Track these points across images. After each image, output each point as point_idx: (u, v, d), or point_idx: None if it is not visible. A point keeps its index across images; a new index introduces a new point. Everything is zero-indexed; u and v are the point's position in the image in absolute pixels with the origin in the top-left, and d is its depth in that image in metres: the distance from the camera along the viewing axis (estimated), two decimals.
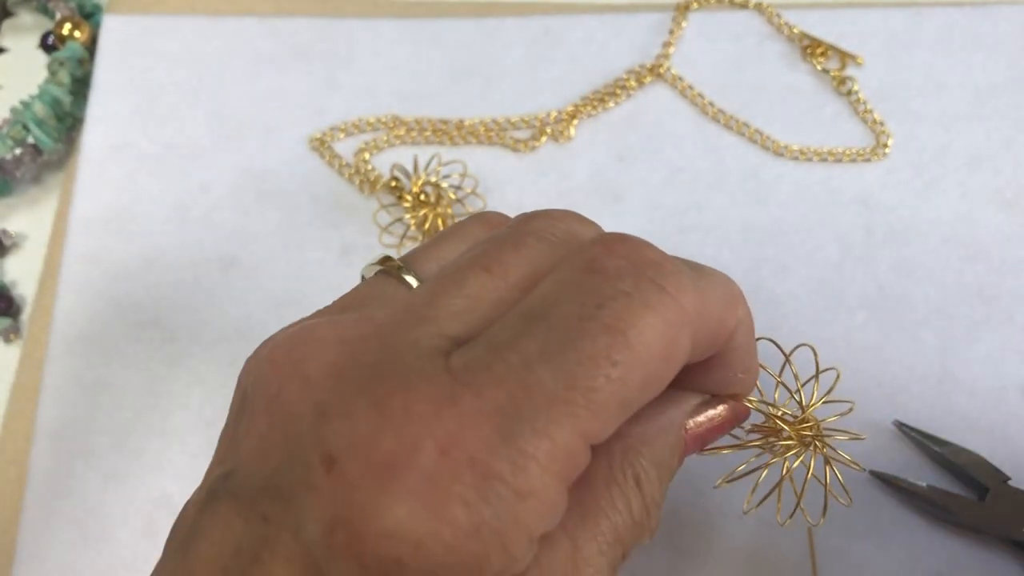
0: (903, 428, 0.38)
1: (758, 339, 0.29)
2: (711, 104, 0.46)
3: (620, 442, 0.25)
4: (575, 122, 0.46)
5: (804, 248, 0.43)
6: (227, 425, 0.25)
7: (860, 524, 0.37)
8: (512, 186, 0.45)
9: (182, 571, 0.22)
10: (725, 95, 0.47)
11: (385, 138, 0.46)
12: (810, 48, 0.47)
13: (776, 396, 0.31)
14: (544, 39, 0.48)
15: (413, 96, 0.47)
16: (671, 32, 0.48)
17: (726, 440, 0.30)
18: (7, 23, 0.52)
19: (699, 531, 0.37)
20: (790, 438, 0.30)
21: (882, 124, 0.45)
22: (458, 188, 0.44)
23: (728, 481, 0.31)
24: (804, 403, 0.30)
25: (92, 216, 0.45)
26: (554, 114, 0.46)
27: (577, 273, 0.23)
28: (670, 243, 0.43)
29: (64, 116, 0.47)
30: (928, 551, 0.37)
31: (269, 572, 0.21)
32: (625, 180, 0.45)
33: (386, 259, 0.27)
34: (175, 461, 0.40)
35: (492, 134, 0.46)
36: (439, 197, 0.43)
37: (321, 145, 0.46)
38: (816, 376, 0.31)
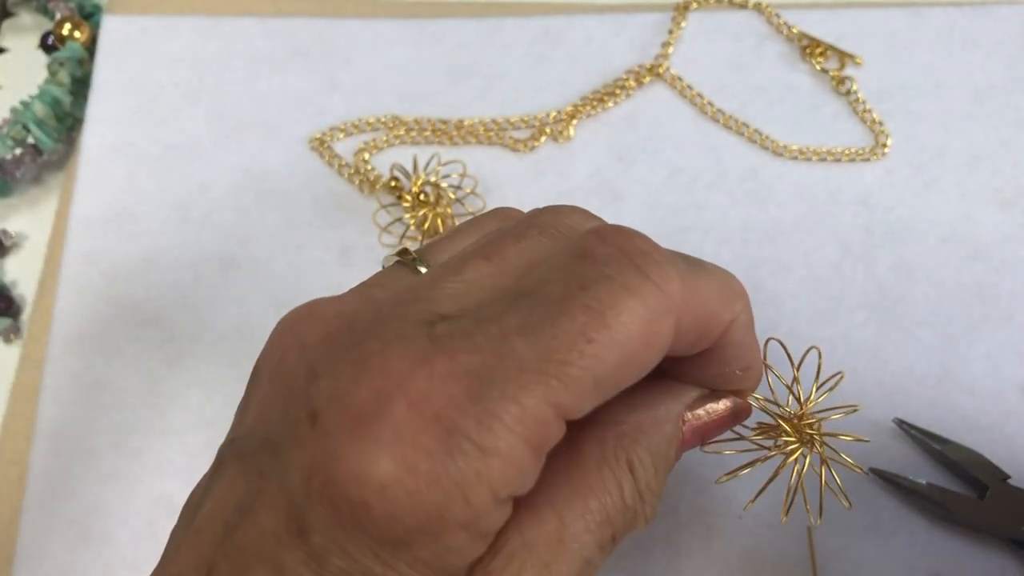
0: (903, 426, 0.38)
1: (767, 340, 0.30)
2: (710, 104, 0.46)
3: (615, 428, 0.26)
4: (574, 122, 0.46)
5: (803, 248, 0.43)
6: (241, 400, 0.26)
7: (859, 523, 0.37)
8: (511, 186, 0.45)
9: (190, 530, 0.24)
10: (724, 95, 0.47)
11: (385, 138, 0.46)
12: (809, 48, 0.47)
13: (789, 400, 0.31)
14: (544, 39, 0.48)
15: (413, 96, 0.47)
16: (670, 32, 0.48)
17: (727, 437, 0.30)
18: (7, 23, 0.52)
19: (699, 531, 0.37)
20: (789, 436, 0.30)
21: (881, 124, 0.45)
22: (458, 188, 0.44)
23: (729, 476, 0.31)
24: (803, 400, 0.30)
25: (92, 216, 0.45)
26: (553, 114, 0.47)
27: (568, 258, 0.24)
28: (670, 243, 0.43)
29: (64, 116, 0.47)
30: (927, 550, 0.37)
31: (257, 521, 0.22)
32: (624, 180, 0.45)
33: (404, 251, 0.28)
34: (175, 461, 0.40)
35: (492, 134, 0.46)
36: (439, 197, 0.43)
37: (321, 145, 0.46)
38: (817, 378, 0.31)
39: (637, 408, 0.27)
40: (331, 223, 0.44)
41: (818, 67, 0.47)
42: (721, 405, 0.28)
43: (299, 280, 0.43)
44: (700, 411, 0.28)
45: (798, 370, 0.31)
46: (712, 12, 0.49)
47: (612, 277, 0.23)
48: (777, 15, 0.48)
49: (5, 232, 0.46)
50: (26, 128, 0.46)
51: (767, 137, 0.45)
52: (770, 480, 0.31)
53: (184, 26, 0.49)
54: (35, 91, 0.47)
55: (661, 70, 0.47)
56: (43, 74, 0.48)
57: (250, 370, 0.26)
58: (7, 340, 0.44)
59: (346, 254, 0.44)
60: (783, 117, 0.46)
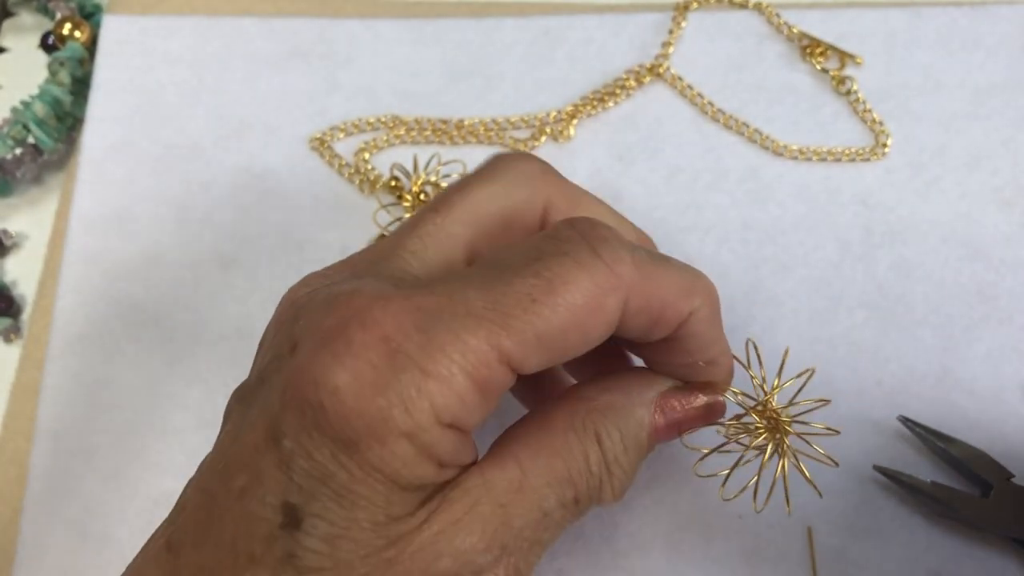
0: (908, 423, 0.38)
1: (749, 341, 0.32)
2: (710, 104, 0.46)
3: (586, 403, 0.29)
4: (575, 122, 0.46)
5: (803, 247, 0.43)
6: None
7: (860, 522, 0.37)
8: None
9: (197, 473, 0.27)
10: (724, 95, 0.47)
11: (385, 138, 0.46)
12: (809, 48, 0.47)
13: (763, 395, 0.32)
14: (544, 39, 0.48)
15: (413, 96, 0.48)
16: (671, 32, 0.48)
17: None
18: (7, 23, 0.52)
19: (699, 531, 0.37)
20: (758, 424, 0.32)
21: (881, 124, 0.46)
22: None
23: (702, 460, 0.32)
24: (768, 390, 0.32)
25: (92, 216, 0.45)
26: (554, 114, 0.47)
27: (537, 238, 0.28)
28: (670, 243, 0.43)
29: (64, 116, 0.47)
30: (928, 549, 0.37)
31: (243, 439, 0.26)
32: (625, 180, 0.45)
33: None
34: (175, 460, 0.40)
35: (492, 134, 0.46)
36: None
37: (321, 145, 0.46)
38: (780, 373, 0.32)
39: (611, 390, 0.30)
40: (331, 223, 0.44)
41: (818, 67, 0.47)
42: (695, 399, 0.31)
43: (299, 280, 0.43)
44: (674, 402, 0.31)
45: (781, 369, 0.32)
46: (712, 12, 0.49)
47: (567, 253, 0.26)
48: (777, 15, 0.48)
49: (5, 232, 0.46)
50: (26, 128, 0.46)
51: (767, 137, 0.45)
52: (735, 465, 0.32)
53: (184, 26, 0.49)
54: (35, 91, 0.47)
55: (661, 70, 0.47)
56: (43, 74, 0.48)
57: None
58: (7, 340, 0.44)
59: (346, 254, 0.43)
60: (783, 117, 0.46)
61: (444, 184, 0.43)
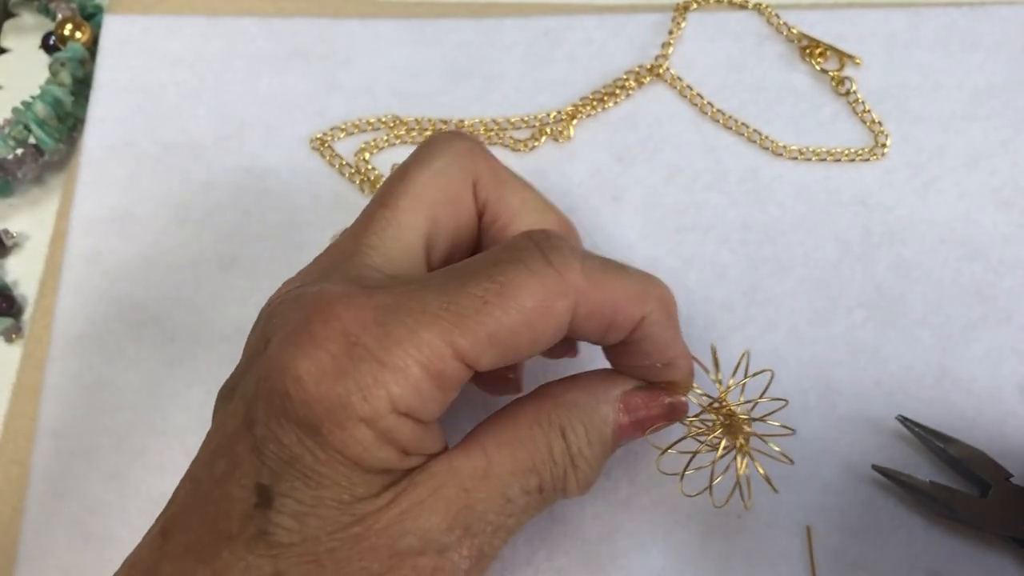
0: (906, 423, 0.38)
1: (711, 345, 0.34)
2: (710, 104, 0.46)
3: (552, 399, 0.31)
4: (574, 122, 0.46)
5: (803, 248, 0.43)
6: None
7: (858, 522, 0.38)
8: None
9: (189, 468, 0.29)
10: (724, 95, 0.47)
11: (385, 138, 0.46)
12: (809, 48, 0.47)
13: (727, 396, 0.34)
14: (543, 39, 0.49)
15: (413, 96, 0.48)
16: (670, 32, 0.48)
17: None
18: (8, 24, 0.52)
19: (698, 530, 0.38)
20: (714, 419, 0.33)
21: (880, 124, 0.46)
22: None
23: (662, 455, 0.34)
24: (723, 388, 0.33)
25: (93, 216, 0.45)
26: (553, 114, 0.47)
27: (495, 248, 0.30)
28: (669, 243, 0.43)
29: (65, 116, 0.47)
30: (926, 548, 0.37)
31: (224, 431, 0.28)
32: (624, 180, 0.45)
33: None
34: (176, 461, 0.40)
35: (492, 134, 0.46)
36: None
37: (322, 145, 0.46)
38: (735, 373, 0.33)
39: (578, 388, 0.32)
40: (332, 223, 0.44)
41: (818, 67, 0.47)
42: (658, 398, 0.33)
43: None
44: (638, 401, 0.32)
45: (735, 369, 0.33)
46: (712, 12, 0.49)
47: (520, 260, 0.28)
48: (777, 15, 0.48)
49: (6, 232, 0.46)
50: (27, 128, 0.46)
51: (767, 137, 0.45)
52: (690, 460, 0.33)
53: (185, 26, 0.49)
54: (36, 91, 0.47)
55: (661, 70, 0.47)
56: (44, 74, 0.48)
57: None
58: (9, 340, 0.44)
59: None
60: (782, 117, 0.46)
61: None
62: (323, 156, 0.46)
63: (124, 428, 0.40)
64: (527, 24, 0.49)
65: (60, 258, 0.44)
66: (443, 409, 0.28)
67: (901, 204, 0.44)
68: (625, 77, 0.47)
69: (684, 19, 0.49)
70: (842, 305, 0.42)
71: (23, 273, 0.45)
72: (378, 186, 0.44)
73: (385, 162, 0.46)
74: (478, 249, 0.35)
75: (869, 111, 0.46)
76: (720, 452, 0.33)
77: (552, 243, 0.29)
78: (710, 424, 0.33)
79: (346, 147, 0.46)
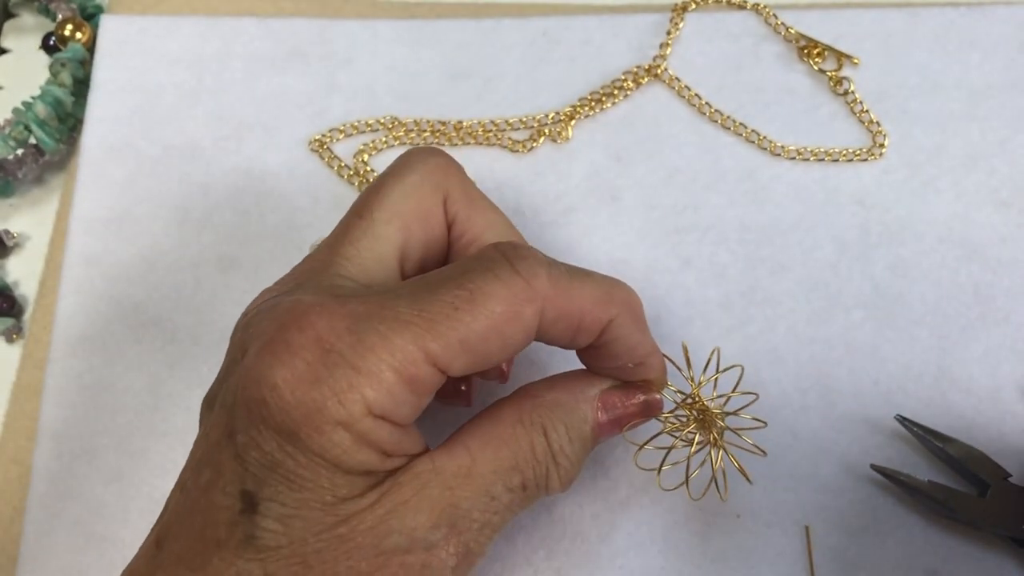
0: (905, 423, 0.38)
1: (683, 344, 0.35)
2: (708, 105, 0.47)
3: (533, 400, 0.32)
4: (573, 123, 0.46)
5: (801, 248, 0.43)
6: None
7: (857, 522, 0.38)
8: (510, 187, 0.45)
9: (179, 477, 0.30)
10: (722, 96, 0.47)
11: (384, 139, 0.47)
12: (807, 49, 0.47)
13: (699, 392, 0.35)
14: (542, 40, 0.49)
15: (411, 97, 0.48)
16: (668, 33, 0.48)
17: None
18: (9, 24, 0.52)
19: (696, 530, 0.38)
20: (690, 418, 0.34)
21: (878, 124, 0.46)
22: None
23: (639, 451, 0.35)
24: (695, 384, 0.34)
25: (92, 217, 0.45)
26: (552, 115, 0.47)
27: (465, 259, 0.31)
28: (667, 243, 0.43)
29: (66, 117, 0.47)
30: (924, 548, 0.37)
31: (208, 440, 0.29)
32: (622, 181, 0.45)
33: None
34: (177, 462, 0.39)
35: (490, 135, 0.46)
36: None
37: (320, 147, 0.46)
38: (706, 369, 0.34)
39: (557, 388, 0.33)
40: (331, 224, 0.44)
41: (815, 67, 0.47)
42: (634, 397, 0.34)
43: None
44: (615, 399, 0.33)
45: (706, 366, 0.34)
46: (710, 13, 0.49)
47: (489, 269, 0.29)
48: (775, 16, 0.48)
49: (7, 232, 0.46)
50: (28, 129, 0.46)
51: (765, 137, 0.46)
52: (665, 456, 0.34)
53: (183, 26, 0.49)
54: (37, 92, 0.47)
55: (659, 71, 0.47)
56: (45, 75, 0.48)
57: None
58: (9, 340, 0.44)
59: None
60: (781, 117, 0.46)
61: None
62: (322, 158, 0.46)
63: (125, 429, 0.41)
64: (526, 25, 0.49)
65: (60, 258, 0.44)
66: (418, 412, 0.29)
67: (899, 204, 0.44)
68: (623, 77, 0.47)
69: (682, 20, 0.49)
70: (840, 305, 0.42)
71: (24, 273, 0.46)
72: None
73: (384, 164, 0.45)
74: (447, 262, 0.36)
75: (867, 111, 0.46)
76: (694, 447, 0.34)
77: (519, 253, 0.30)
78: (684, 420, 0.34)
79: (345, 148, 0.46)
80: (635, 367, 0.33)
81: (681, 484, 0.35)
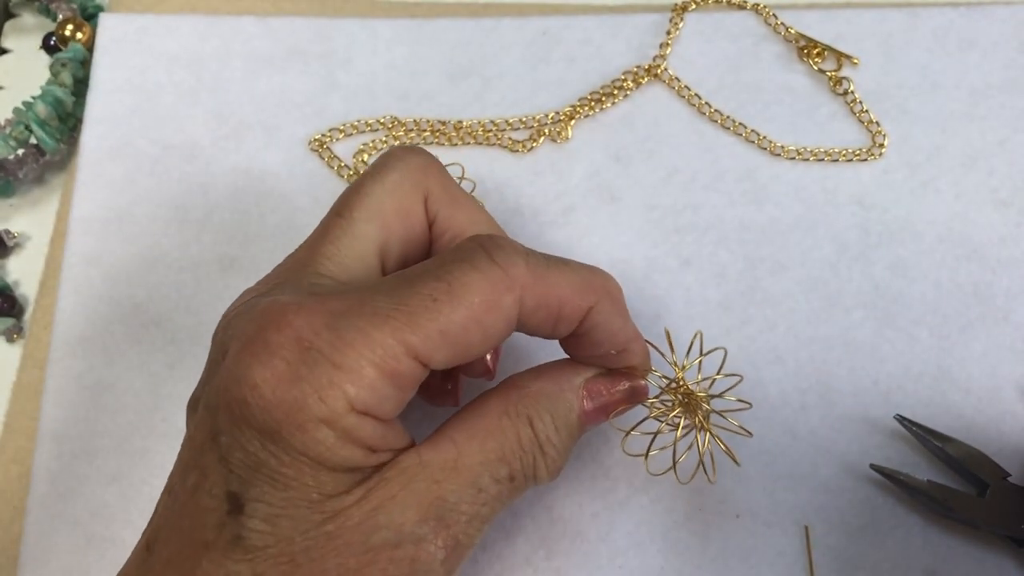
0: (904, 423, 0.38)
1: (665, 329, 0.35)
2: (708, 104, 0.47)
3: (519, 390, 0.32)
4: (572, 123, 0.46)
5: (800, 248, 0.43)
6: None
7: (857, 521, 0.38)
8: (509, 187, 0.45)
9: (167, 481, 0.30)
10: (722, 96, 0.47)
11: (384, 139, 0.47)
12: (806, 49, 0.47)
13: (683, 375, 0.35)
14: (542, 40, 0.49)
15: (411, 96, 0.48)
16: (668, 33, 0.48)
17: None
18: (9, 24, 0.52)
19: (696, 530, 0.38)
20: (675, 402, 0.34)
21: (878, 124, 0.46)
22: None
23: (626, 437, 0.35)
24: (680, 367, 0.34)
25: (92, 217, 0.45)
26: (552, 115, 0.47)
27: (443, 252, 0.31)
28: (667, 243, 0.43)
29: (66, 117, 0.47)
30: (923, 547, 0.37)
31: (193, 443, 0.29)
32: (622, 180, 0.45)
33: None
34: None
35: (490, 135, 0.46)
36: None
37: (320, 146, 0.46)
38: (689, 352, 0.35)
39: (542, 378, 0.33)
40: None
41: (815, 67, 0.47)
42: (619, 384, 0.34)
43: None
44: (600, 387, 0.33)
45: (689, 350, 0.35)
46: (709, 13, 0.49)
47: (466, 260, 0.29)
48: (774, 16, 0.48)
49: (7, 232, 0.46)
50: (28, 128, 0.46)
51: (764, 137, 0.46)
52: (652, 440, 0.34)
53: (183, 25, 0.49)
54: (37, 92, 0.47)
55: (659, 71, 0.47)
56: (45, 75, 0.48)
57: None
58: (10, 340, 0.44)
59: None
60: (780, 117, 0.46)
61: None
62: (321, 157, 0.46)
63: (125, 430, 0.41)
64: (525, 24, 0.49)
65: (60, 258, 0.44)
66: (402, 406, 0.29)
67: (898, 204, 0.44)
68: (623, 77, 0.47)
69: (682, 19, 0.49)
70: (840, 305, 0.42)
71: (24, 273, 0.46)
72: None
73: None
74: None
75: (867, 111, 0.46)
76: (680, 431, 0.34)
77: (496, 243, 0.30)
78: (670, 404, 0.34)
79: (344, 148, 0.46)
80: (618, 354, 0.33)
81: (669, 469, 0.35)
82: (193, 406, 0.31)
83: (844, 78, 0.47)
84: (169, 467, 0.39)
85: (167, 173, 0.46)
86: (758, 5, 0.49)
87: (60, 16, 0.49)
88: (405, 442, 0.30)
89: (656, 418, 0.35)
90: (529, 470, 0.32)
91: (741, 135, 0.46)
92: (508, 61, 0.48)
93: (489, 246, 0.30)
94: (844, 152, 0.45)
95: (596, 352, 0.33)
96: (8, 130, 0.46)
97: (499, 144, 0.46)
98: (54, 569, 0.38)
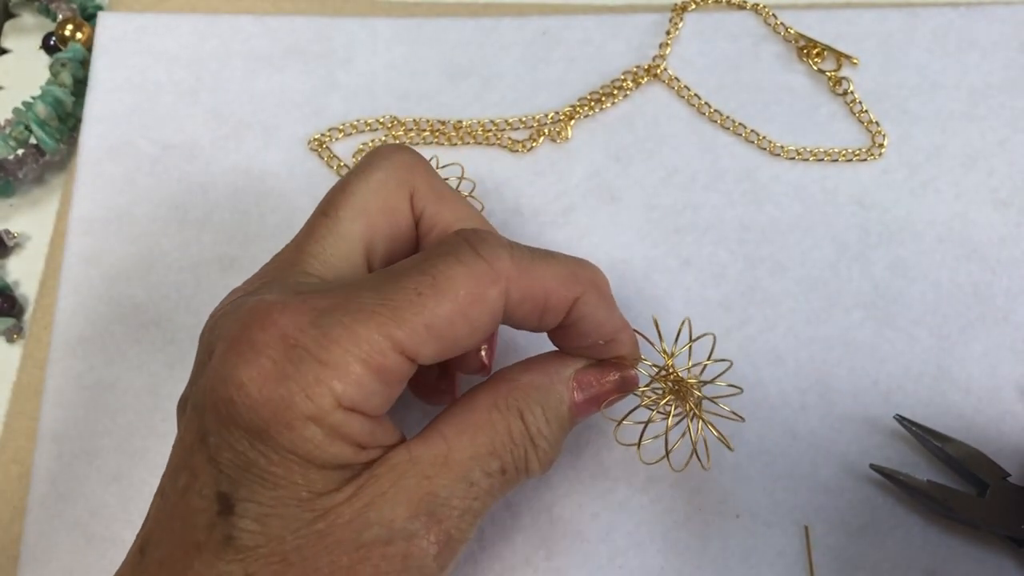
0: (904, 423, 0.38)
1: (654, 318, 0.34)
2: (707, 105, 0.47)
3: (508, 384, 0.32)
4: (572, 123, 0.46)
5: (800, 248, 0.43)
6: None
7: (856, 521, 0.38)
8: (509, 186, 0.45)
9: (159, 483, 0.30)
10: (721, 96, 0.47)
11: (383, 139, 0.47)
12: (806, 49, 0.47)
13: (672, 363, 0.34)
14: (541, 40, 0.49)
15: (411, 96, 0.48)
16: (668, 33, 0.48)
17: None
18: (9, 24, 0.52)
19: (696, 530, 0.38)
20: (666, 390, 0.34)
21: (877, 124, 0.46)
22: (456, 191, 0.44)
23: (618, 426, 0.34)
24: (669, 355, 0.34)
25: (92, 217, 0.45)
26: (551, 115, 0.47)
27: (428, 248, 0.31)
28: (667, 243, 0.43)
29: (66, 117, 0.47)
30: (923, 547, 0.37)
31: (182, 445, 0.29)
32: (622, 180, 0.45)
33: None
34: None
35: (490, 135, 0.46)
36: None
37: (320, 146, 0.46)
38: (677, 340, 0.34)
39: (532, 371, 0.33)
40: None
41: (815, 68, 0.47)
42: (608, 374, 0.34)
43: None
44: (590, 378, 0.34)
45: (677, 336, 0.34)
46: (709, 13, 0.49)
47: (451, 254, 0.29)
48: (774, 16, 0.48)
49: (7, 232, 0.46)
50: (28, 129, 0.46)
51: (764, 137, 0.46)
52: (644, 428, 0.34)
53: (182, 24, 0.49)
54: (37, 92, 0.47)
55: (658, 71, 0.47)
56: (45, 75, 0.48)
57: None
58: (10, 340, 0.44)
59: None
60: (780, 117, 0.46)
61: None
62: (321, 157, 0.46)
63: (125, 430, 0.41)
64: (525, 24, 0.49)
65: (60, 258, 0.44)
66: (390, 402, 0.29)
67: (898, 204, 0.44)
68: (623, 77, 0.47)
69: (681, 19, 0.49)
70: (840, 305, 0.42)
71: (24, 273, 0.46)
72: None
73: None
74: None
75: (866, 111, 0.46)
76: (671, 418, 0.34)
77: (480, 237, 0.30)
78: (660, 392, 0.34)
79: (344, 148, 0.46)
80: (606, 344, 0.33)
81: (662, 458, 0.35)
82: (182, 407, 0.31)
83: (844, 78, 0.47)
84: None
85: (167, 173, 0.46)
86: (758, 5, 0.49)
87: (60, 16, 0.49)
88: (395, 438, 0.30)
89: (647, 407, 0.34)
90: (520, 463, 0.32)
91: (741, 135, 0.46)
92: (508, 61, 0.48)
93: (473, 240, 0.30)
94: (844, 152, 0.45)
95: (584, 343, 0.33)
96: (8, 130, 0.46)
97: (499, 144, 0.46)
98: (54, 569, 0.38)
